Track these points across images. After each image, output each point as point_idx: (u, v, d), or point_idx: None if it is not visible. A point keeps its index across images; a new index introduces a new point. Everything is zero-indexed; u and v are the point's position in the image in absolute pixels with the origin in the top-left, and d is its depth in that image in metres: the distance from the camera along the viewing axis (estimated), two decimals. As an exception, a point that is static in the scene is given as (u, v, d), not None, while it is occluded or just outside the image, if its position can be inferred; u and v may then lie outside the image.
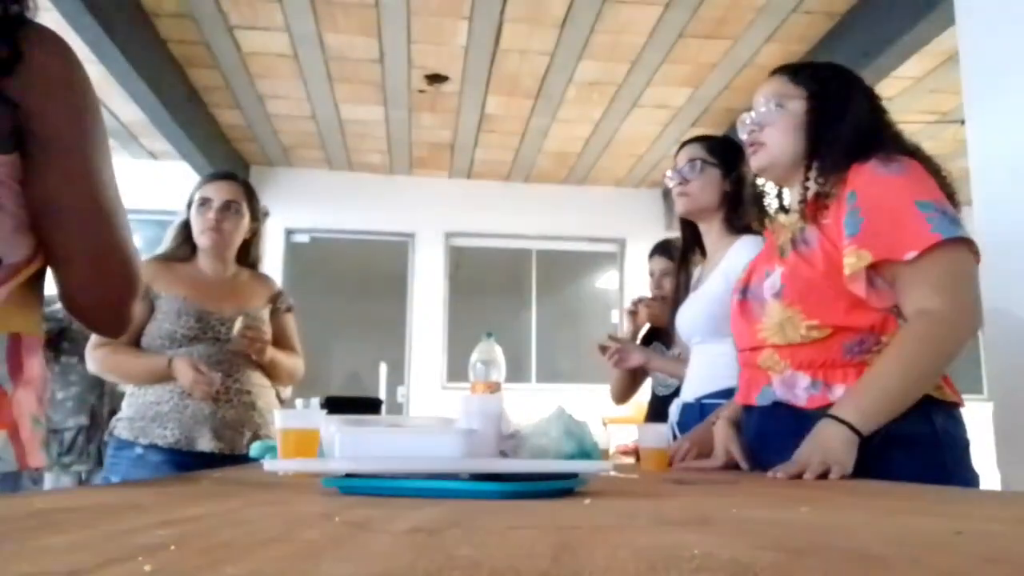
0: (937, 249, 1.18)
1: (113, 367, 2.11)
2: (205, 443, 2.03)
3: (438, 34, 4.46)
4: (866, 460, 1.17)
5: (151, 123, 5.08)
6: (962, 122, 2.55)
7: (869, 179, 1.26)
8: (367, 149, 6.29)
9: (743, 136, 1.45)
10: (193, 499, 0.77)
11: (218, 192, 2.21)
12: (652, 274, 2.64)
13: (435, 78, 5.00)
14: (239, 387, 2.13)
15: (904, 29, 3.77)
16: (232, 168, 6.05)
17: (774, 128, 1.39)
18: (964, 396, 1.29)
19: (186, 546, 0.44)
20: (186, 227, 2.25)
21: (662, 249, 2.62)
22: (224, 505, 0.71)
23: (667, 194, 7.02)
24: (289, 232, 6.70)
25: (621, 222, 6.97)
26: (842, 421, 1.16)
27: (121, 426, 2.08)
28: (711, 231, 1.93)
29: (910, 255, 1.19)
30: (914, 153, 1.33)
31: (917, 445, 1.21)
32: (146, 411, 2.06)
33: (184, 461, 2.00)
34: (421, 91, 5.19)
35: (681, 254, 2.07)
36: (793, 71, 1.43)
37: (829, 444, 1.15)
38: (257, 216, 2.31)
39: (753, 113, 1.43)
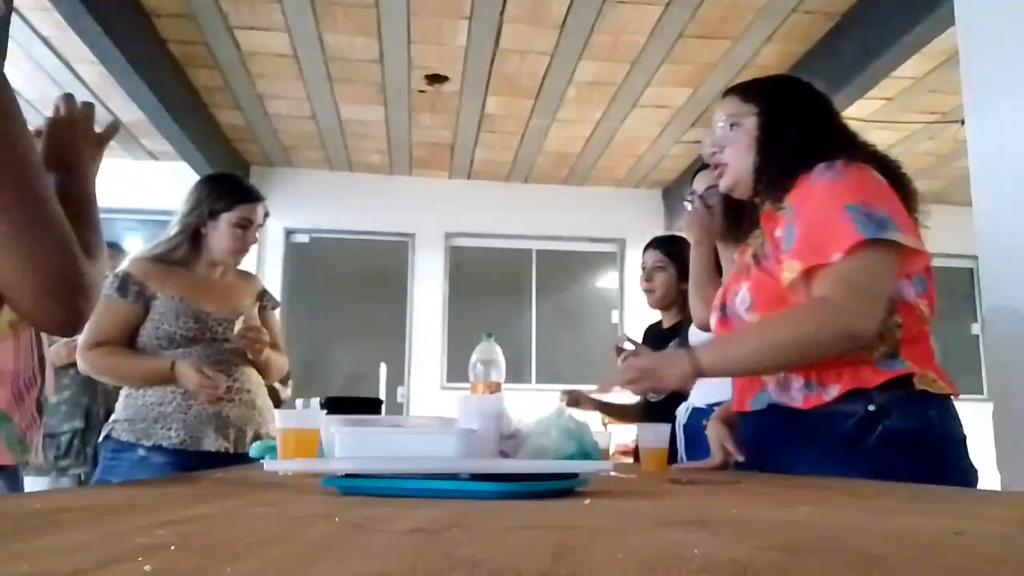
0: (860, 249, 1.19)
1: (109, 369, 2.08)
2: (210, 443, 2.03)
3: (438, 34, 4.46)
4: (864, 459, 1.18)
5: (151, 123, 5.08)
6: (962, 122, 2.55)
7: (805, 190, 1.28)
8: (367, 149, 6.29)
9: (707, 159, 1.50)
10: (193, 499, 0.77)
11: (258, 215, 2.23)
12: (644, 267, 2.63)
13: (435, 78, 5.00)
14: (239, 386, 2.13)
15: (904, 29, 3.77)
16: (232, 168, 6.05)
17: (733, 147, 1.43)
18: (964, 396, 1.30)
19: (186, 546, 0.44)
20: (196, 233, 2.20)
21: (659, 243, 2.61)
22: (224, 505, 0.71)
23: (667, 194, 7.04)
24: (289, 232, 6.69)
25: (621, 222, 6.97)
26: (694, 357, 1.27)
27: (120, 428, 2.06)
28: (725, 253, 1.95)
29: (835, 257, 1.20)
30: (865, 155, 1.33)
31: (915, 442, 1.22)
32: (147, 413, 2.04)
33: (189, 462, 1.99)
34: (421, 91, 5.19)
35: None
36: (743, 90, 1.48)
37: (668, 368, 1.29)
38: None
39: (712, 136, 1.47)
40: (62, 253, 0.91)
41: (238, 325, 2.11)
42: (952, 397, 1.28)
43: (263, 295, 2.36)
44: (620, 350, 2.28)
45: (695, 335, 1.97)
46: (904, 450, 1.20)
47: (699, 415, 1.86)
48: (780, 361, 1.26)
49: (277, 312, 2.40)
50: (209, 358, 2.08)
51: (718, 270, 1.87)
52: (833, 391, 1.25)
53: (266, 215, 2.35)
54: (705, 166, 2.50)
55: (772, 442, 1.34)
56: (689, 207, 1.87)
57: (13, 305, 0.93)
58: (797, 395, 1.30)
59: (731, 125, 1.43)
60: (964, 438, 1.28)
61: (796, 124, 1.37)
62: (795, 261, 1.24)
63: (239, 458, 2.01)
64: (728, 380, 1.81)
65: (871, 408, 1.22)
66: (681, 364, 1.28)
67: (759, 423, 1.37)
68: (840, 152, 1.30)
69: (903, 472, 1.12)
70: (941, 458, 1.23)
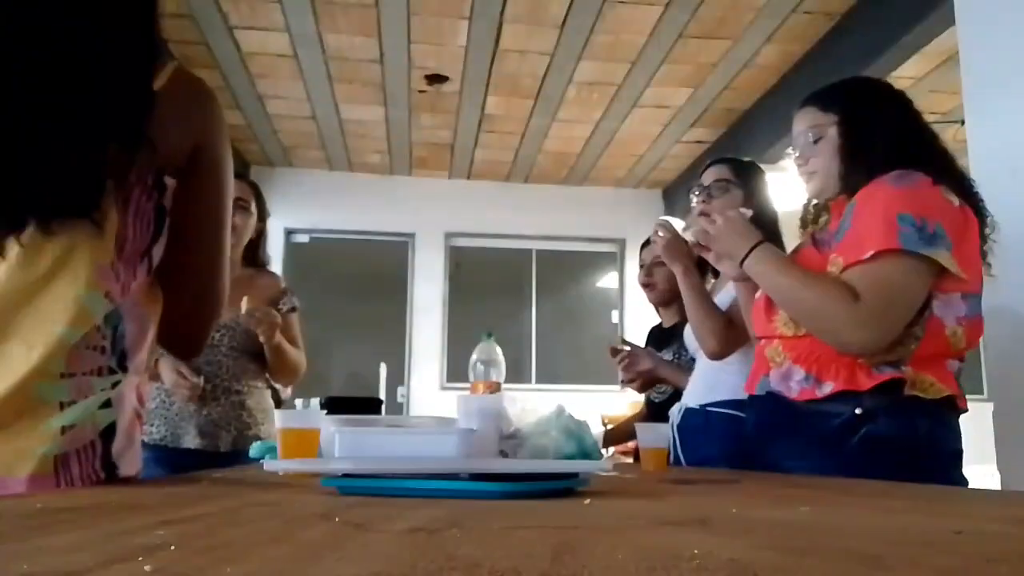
0: (892, 255, 1.21)
1: None
2: (190, 440, 2.04)
3: (438, 34, 4.46)
4: (842, 460, 1.20)
5: (151, 123, 5.08)
6: (962, 122, 2.55)
7: (871, 191, 1.30)
8: (367, 149, 6.29)
9: (797, 170, 1.52)
10: (193, 499, 0.77)
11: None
12: (642, 264, 2.62)
13: (435, 78, 5.00)
14: (227, 385, 2.13)
15: (904, 29, 3.77)
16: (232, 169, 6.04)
17: (817, 157, 1.45)
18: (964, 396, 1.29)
19: (186, 546, 0.44)
20: None
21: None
22: (224, 505, 0.71)
23: (667, 194, 7.03)
24: (289, 232, 6.69)
25: (621, 222, 6.97)
26: (750, 252, 1.37)
27: None
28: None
29: (868, 254, 1.23)
30: (942, 171, 1.33)
31: (896, 449, 1.21)
32: None
33: (170, 458, 2.02)
34: (421, 91, 5.19)
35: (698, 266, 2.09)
36: (822, 99, 1.48)
37: (733, 241, 1.40)
38: (264, 216, 2.30)
39: (795, 148, 1.50)
40: (221, 302, 1.11)
41: (243, 306, 2.11)
42: (953, 406, 1.27)
43: (280, 297, 2.31)
44: (616, 351, 2.27)
45: (690, 336, 1.97)
46: (883, 456, 1.20)
47: (692, 415, 1.86)
48: (790, 310, 1.33)
49: (295, 316, 2.35)
50: (201, 357, 2.08)
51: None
52: (827, 388, 1.27)
53: (265, 215, 2.33)
54: (716, 161, 2.47)
55: (768, 430, 1.38)
56: (659, 234, 1.85)
57: (175, 330, 1.06)
58: (794, 387, 1.32)
59: (814, 137, 1.45)
60: (957, 451, 1.27)
61: (877, 131, 1.38)
62: (839, 256, 1.29)
63: (220, 457, 2.02)
64: (720, 382, 1.81)
65: (857, 411, 1.23)
66: (737, 249, 1.39)
67: (759, 409, 1.42)
68: (918, 164, 1.31)
69: (880, 478, 1.11)
70: (922, 468, 1.20)
